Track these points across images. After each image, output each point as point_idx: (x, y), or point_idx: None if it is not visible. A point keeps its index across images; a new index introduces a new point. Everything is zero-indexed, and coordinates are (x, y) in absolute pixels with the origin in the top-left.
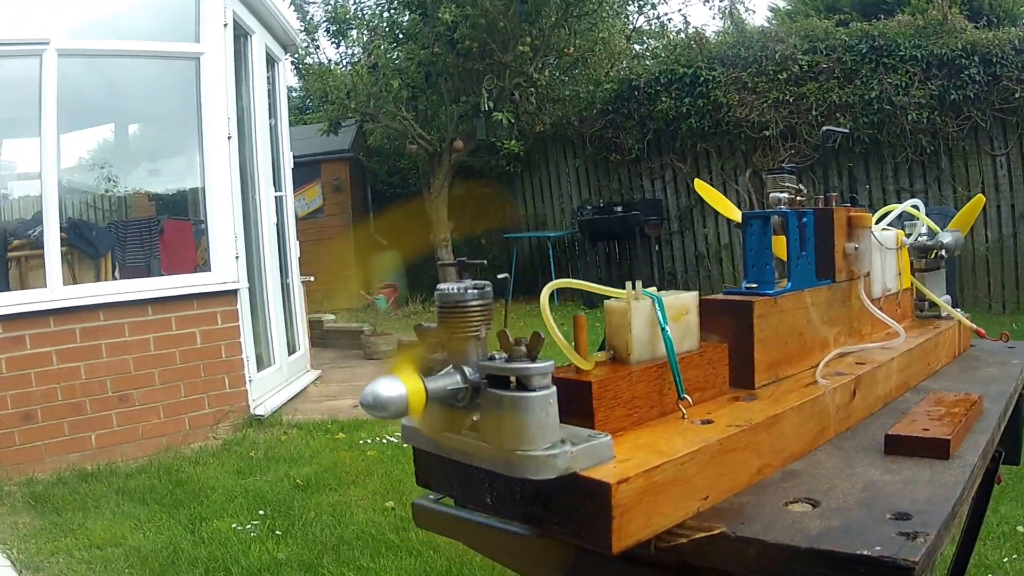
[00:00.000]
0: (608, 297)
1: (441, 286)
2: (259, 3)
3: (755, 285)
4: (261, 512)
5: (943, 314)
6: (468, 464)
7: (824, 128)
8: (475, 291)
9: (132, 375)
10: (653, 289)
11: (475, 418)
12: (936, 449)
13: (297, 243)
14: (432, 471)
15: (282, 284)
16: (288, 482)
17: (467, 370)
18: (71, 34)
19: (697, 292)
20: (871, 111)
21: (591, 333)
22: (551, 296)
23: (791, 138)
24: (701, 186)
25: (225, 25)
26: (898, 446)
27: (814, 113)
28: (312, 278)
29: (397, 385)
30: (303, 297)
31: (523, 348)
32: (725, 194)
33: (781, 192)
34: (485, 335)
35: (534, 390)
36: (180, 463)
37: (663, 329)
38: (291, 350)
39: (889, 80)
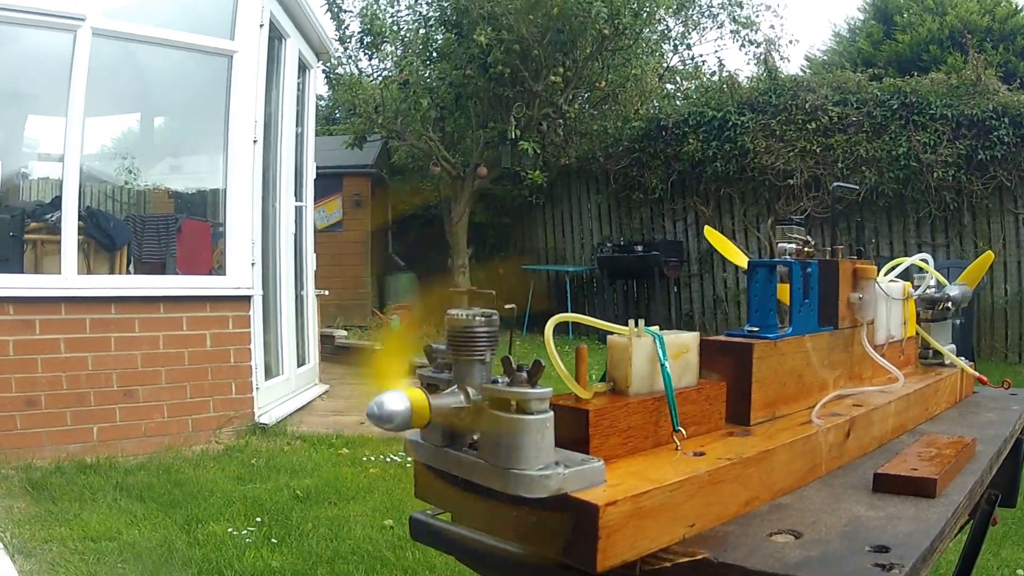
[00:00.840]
0: (611, 332)
1: (451, 311)
2: (296, 7)
3: (756, 329)
4: (258, 519)
5: (946, 362)
6: (466, 480)
7: (835, 184)
8: (482, 318)
9: (139, 371)
10: (656, 328)
11: (475, 436)
12: (922, 488)
13: (314, 255)
14: (431, 486)
15: (296, 295)
16: (288, 492)
17: (471, 391)
18: (107, 14)
19: (698, 333)
20: (897, 166)
21: (601, 367)
22: (557, 329)
23: (815, 188)
24: (711, 233)
25: (261, 26)
26: (886, 484)
27: (840, 165)
28: (327, 292)
29: (403, 399)
30: (316, 310)
31: (524, 374)
32: (746, 241)
33: (789, 243)
34: (490, 360)
35: (532, 413)
36: (180, 464)
37: (662, 365)
38: (300, 362)
39: (918, 137)
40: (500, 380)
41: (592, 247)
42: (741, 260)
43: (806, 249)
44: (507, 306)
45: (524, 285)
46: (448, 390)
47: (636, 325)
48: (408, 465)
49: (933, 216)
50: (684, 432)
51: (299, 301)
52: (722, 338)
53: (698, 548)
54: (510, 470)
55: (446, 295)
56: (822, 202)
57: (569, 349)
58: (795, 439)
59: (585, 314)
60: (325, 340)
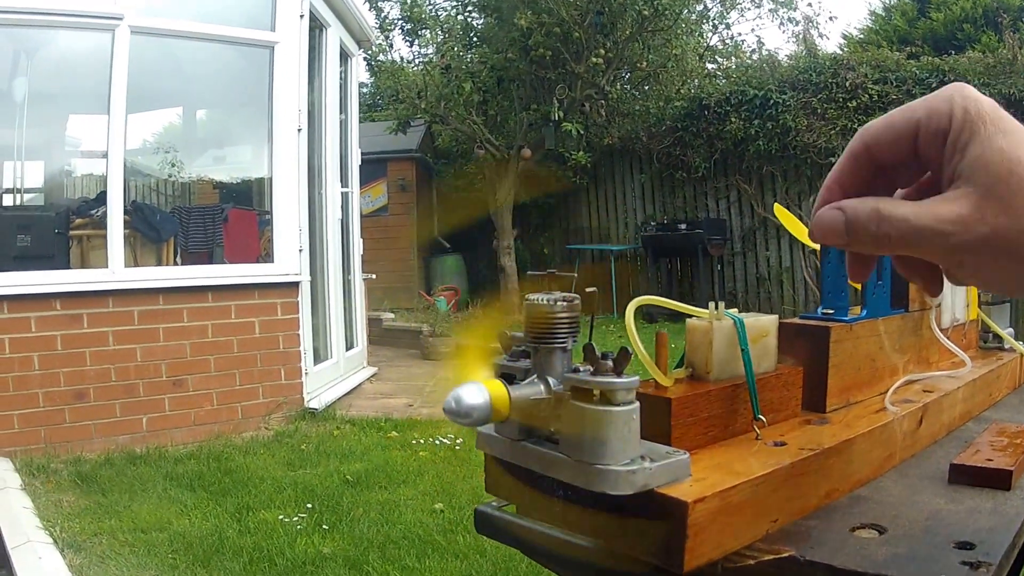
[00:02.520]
0: (690, 316)
1: (531, 296)
2: None
3: (832, 311)
4: (309, 505)
5: (1006, 346)
6: (542, 475)
7: None
8: (564, 303)
9: (188, 360)
10: (735, 310)
11: (554, 429)
12: (999, 479)
13: (361, 240)
14: (501, 480)
15: (344, 280)
16: (338, 477)
17: (551, 380)
18: (145, 11)
19: (777, 316)
20: None
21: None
22: (608, 311)
23: None
24: (780, 211)
25: (301, 16)
26: (962, 475)
27: None
28: (374, 275)
29: (482, 392)
30: (364, 294)
31: (610, 362)
32: None
33: None
34: (571, 347)
35: (618, 405)
36: (230, 451)
37: (744, 350)
38: (349, 346)
39: None
40: (582, 369)
41: (636, 226)
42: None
43: None
44: (588, 289)
45: (569, 264)
46: (527, 380)
47: (716, 308)
48: (457, 448)
49: None
50: (765, 420)
51: (347, 285)
52: (798, 321)
53: (782, 545)
54: (594, 465)
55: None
56: None
57: (621, 331)
58: (873, 427)
59: (629, 292)
60: (373, 323)
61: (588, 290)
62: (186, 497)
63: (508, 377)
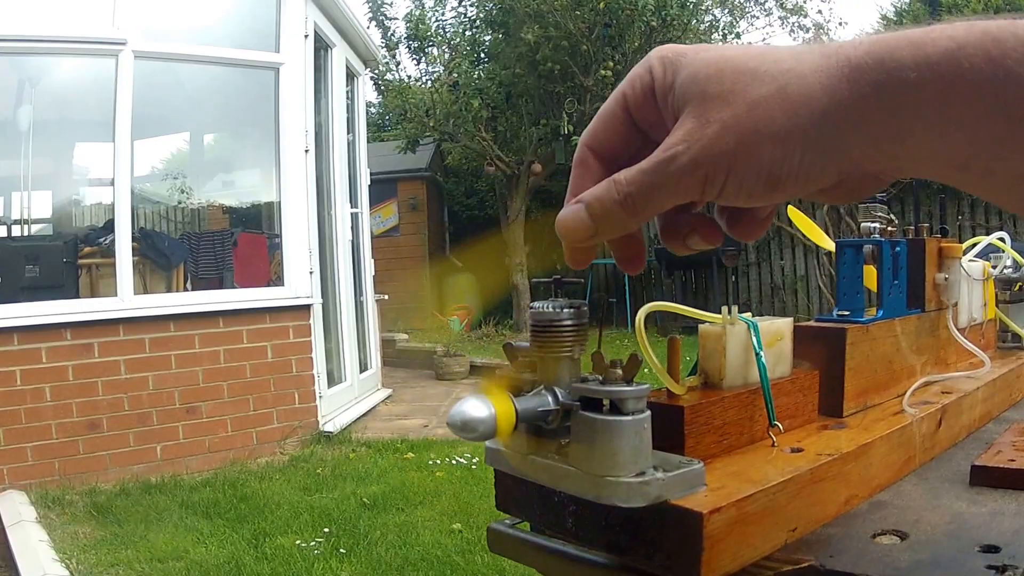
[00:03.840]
0: (703, 321)
1: (535, 304)
2: (341, 16)
3: (847, 313)
4: (326, 530)
5: None
6: (553, 489)
7: None
8: (570, 310)
9: (201, 387)
10: (748, 314)
11: (564, 441)
12: (1021, 480)
13: (372, 261)
14: (512, 495)
15: (356, 301)
16: (355, 500)
17: (559, 391)
18: (148, 37)
19: (792, 319)
20: None
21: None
22: (616, 319)
23: None
24: (795, 213)
25: (306, 36)
26: (984, 477)
27: None
28: (386, 296)
29: (486, 405)
30: (377, 315)
31: (619, 371)
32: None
33: (873, 222)
34: (579, 356)
35: (629, 414)
36: (246, 477)
37: (758, 355)
38: (363, 368)
39: None
40: (591, 378)
41: (649, 239)
42: (826, 242)
43: (890, 228)
44: (596, 294)
45: (582, 279)
46: (533, 391)
47: (729, 312)
48: (474, 467)
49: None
50: (781, 427)
51: (359, 307)
52: (813, 323)
53: (802, 555)
54: (605, 477)
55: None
56: None
57: (632, 340)
58: (891, 430)
59: (643, 304)
60: (387, 344)
61: (597, 295)
62: (202, 525)
63: (515, 389)
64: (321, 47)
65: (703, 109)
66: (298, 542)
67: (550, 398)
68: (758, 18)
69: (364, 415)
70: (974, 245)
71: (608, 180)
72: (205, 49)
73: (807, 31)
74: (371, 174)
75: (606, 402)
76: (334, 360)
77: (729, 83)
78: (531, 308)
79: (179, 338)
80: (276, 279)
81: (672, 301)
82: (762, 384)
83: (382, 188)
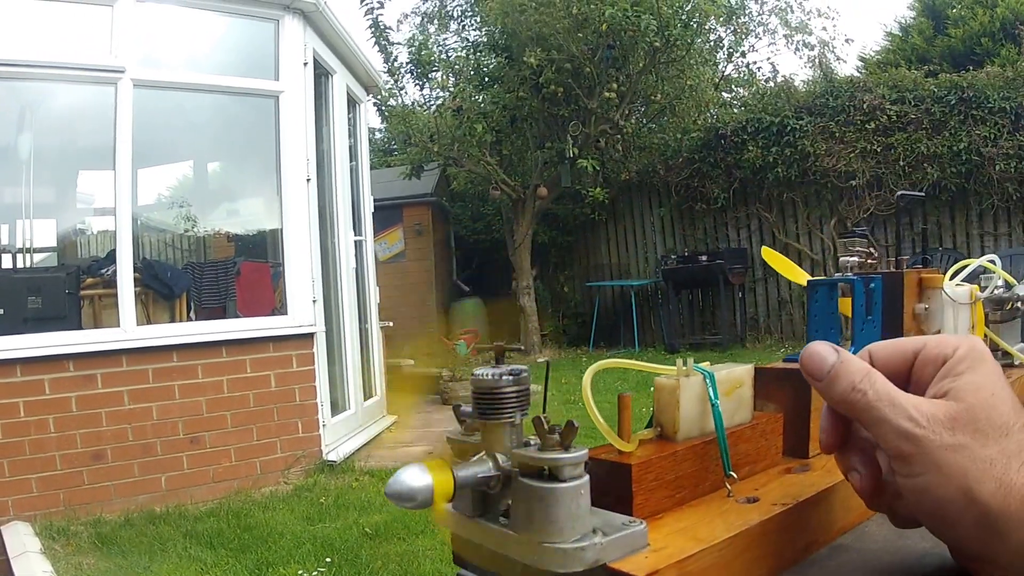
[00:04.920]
0: (657, 374)
1: (476, 371)
2: (340, 43)
3: None
4: (328, 560)
5: (1015, 362)
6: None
7: (899, 193)
8: (510, 377)
9: (204, 417)
10: (706, 364)
11: (505, 507)
12: None
13: (377, 288)
14: (466, 553)
15: (360, 329)
16: (357, 530)
17: (500, 457)
18: (147, 65)
19: (752, 365)
20: (959, 161)
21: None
22: (625, 344)
23: (877, 187)
24: (768, 253)
25: (305, 64)
26: None
27: (901, 163)
28: (391, 323)
29: (424, 474)
30: (382, 342)
31: (557, 436)
32: (810, 243)
33: (851, 256)
34: (520, 421)
35: (565, 480)
36: (250, 507)
37: (714, 405)
38: (367, 395)
39: (978, 132)
40: (533, 443)
41: (656, 260)
42: (800, 277)
43: (869, 261)
44: (540, 360)
45: (589, 301)
46: (476, 457)
47: (684, 363)
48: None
49: (996, 207)
50: (735, 476)
51: (364, 335)
52: (779, 365)
53: None
54: (542, 543)
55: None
56: (885, 201)
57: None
58: None
59: (651, 325)
60: (393, 370)
61: (540, 361)
62: (206, 555)
63: (462, 452)
64: (321, 74)
65: (959, 417)
66: (300, 572)
67: (491, 464)
68: (760, 38)
69: (368, 443)
70: (961, 269)
71: (866, 366)
72: (204, 77)
73: (812, 48)
74: (376, 200)
75: (545, 468)
76: (338, 388)
77: (989, 421)
78: (472, 375)
79: (182, 368)
80: (281, 307)
81: (679, 320)
82: (717, 434)
83: (387, 214)
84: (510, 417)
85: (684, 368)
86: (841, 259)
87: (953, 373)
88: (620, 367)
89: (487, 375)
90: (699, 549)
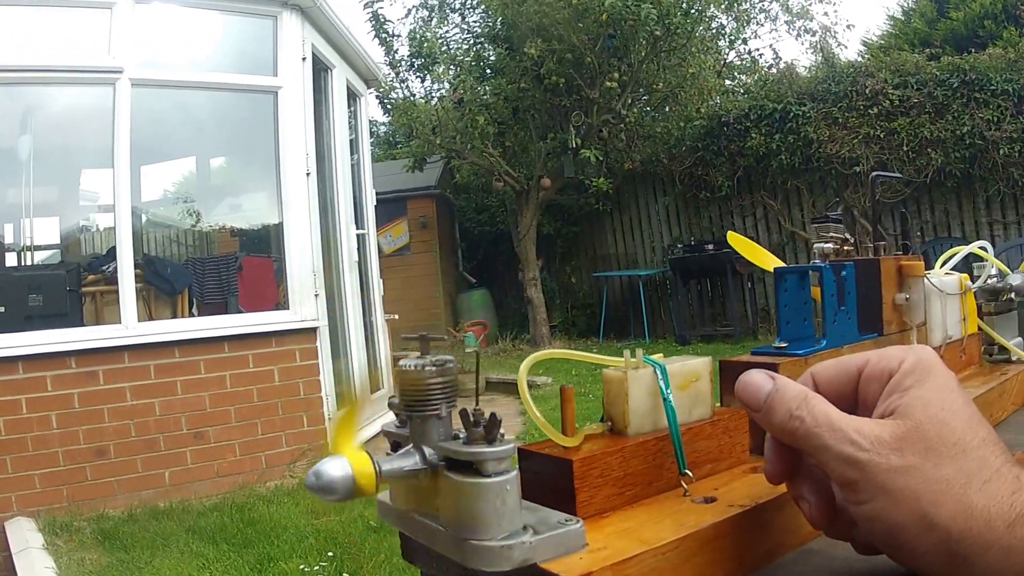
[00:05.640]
0: (605, 366)
1: (402, 362)
2: (339, 37)
3: (785, 345)
4: (330, 553)
5: (1013, 358)
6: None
7: (874, 174)
8: (434, 368)
9: (208, 412)
10: (659, 356)
11: (435, 502)
12: None
13: (381, 281)
14: (410, 547)
15: (365, 322)
16: (361, 523)
17: (427, 451)
18: (145, 64)
19: (710, 358)
20: (963, 146)
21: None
22: (635, 334)
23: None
24: (734, 237)
25: (304, 59)
26: None
27: (905, 148)
28: (396, 316)
29: (343, 466)
30: (387, 335)
31: (481, 430)
32: (816, 232)
33: (826, 243)
34: (447, 413)
35: (489, 476)
36: (254, 502)
37: (665, 399)
38: (374, 388)
39: (981, 115)
40: (462, 436)
41: (663, 249)
42: (768, 263)
43: (845, 248)
44: (469, 349)
45: (598, 292)
46: (404, 450)
47: (633, 355)
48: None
49: (1003, 194)
50: (691, 475)
51: (368, 328)
52: (745, 358)
53: None
54: (468, 541)
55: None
56: (891, 187)
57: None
58: None
59: (660, 316)
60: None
61: (469, 350)
62: (208, 550)
63: (396, 445)
64: (321, 69)
65: (908, 436)
66: (302, 567)
67: (418, 457)
68: (762, 25)
69: (376, 436)
70: (951, 257)
71: (803, 391)
72: (202, 75)
73: (813, 34)
74: (380, 193)
75: (473, 463)
76: (343, 382)
77: (941, 441)
78: (397, 366)
79: (185, 364)
80: (284, 302)
81: (689, 311)
82: (671, 429)
83: (392, 207)
84: (435, 409)
85: (633, 360)
86: (815, 245)
87: (900, 389)
88: (562, 357)
89: (410, 366)
90: (641, 551)
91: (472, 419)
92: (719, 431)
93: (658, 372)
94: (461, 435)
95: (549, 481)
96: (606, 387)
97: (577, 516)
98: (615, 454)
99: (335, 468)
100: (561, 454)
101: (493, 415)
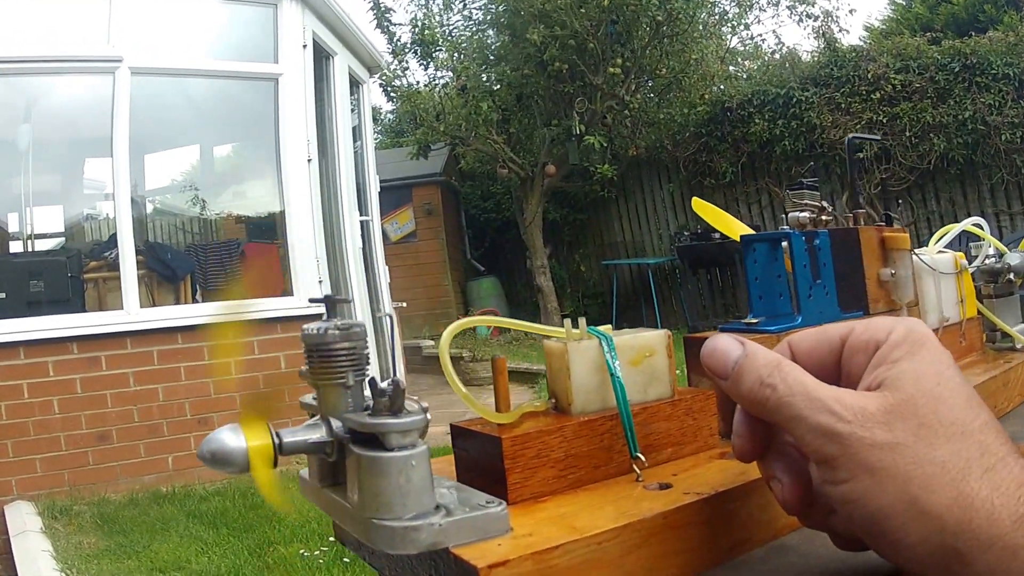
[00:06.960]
0: (546, 336)
1: (305, 326)
2: (340, 24)
3: (756, 321)
4: (331, 539)
5: (1018, 345)
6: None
7: (850, 136)
8: (337, 332)
9: (212, 398)
10: (608, 328)
11: (344, 476)
12: None
13: (387, 268)
14: (339, 525)
15: (372, 309)
16: None
17: (334, 422)
18: (145, 52)
19: (667, 331)
20: (965, 131)
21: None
22: (648, 319)
23: (885, 160)
24: (699, 204)
25: (304, 46)
26: None
27: (908, 134)
28: (404, 303)
29: (238, 436)
30: (397, 323)
31: (386, 399)
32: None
33: (801, 211)
34: (355, 382)
35: (392, 450)
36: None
37: (613, 374)
38: (383, 376)
39: (983, 99)
40: (369, 407)
41: (670, 236)
42: (734, 232)
43: (823, 217)
44: (396, 304)
45: (608, 280)
46: (310, 421)
47: (576, 325)
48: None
49: (1006, 182)
50: (644, 459)
51: (375, 315)
52: (712, 335)
53: None
54: (371, 519)
55: None
56: (895, 174)
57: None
58: None
59: (672, 305)
60: (412, 351)
61: (396, 305)
62: (208, 535)
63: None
64: (322, 56)
65: (897, 410)
66: (302, 551)
67: (325, 430)
68: (764, 10)
69: None
70: (944, 235)
71: (776, 358)
72: (202, 62)
73: (815, 19)
74: (386, 181)
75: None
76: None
77: (936, 416)
78: (302, 330)
79: (188, 350)
80: (289, 288)
81: (699, 299)
82: (620, 407)
83: (397, 194)
84: (341, 378)
85: (576, 331)
86: (791, 214)
87: (888, 360)
88: (487, 323)
89: (313, 329)
90: (570, 539)
91: (379, 389)
92: (680, 412)
93: (604, 344)
94: (370, 407)
95: (480, 461)
96: (548, 361)
97: (509, 499)
98: (554, 433)
99: (229, 439)
100: (490, 431)
101: (397, 383)
